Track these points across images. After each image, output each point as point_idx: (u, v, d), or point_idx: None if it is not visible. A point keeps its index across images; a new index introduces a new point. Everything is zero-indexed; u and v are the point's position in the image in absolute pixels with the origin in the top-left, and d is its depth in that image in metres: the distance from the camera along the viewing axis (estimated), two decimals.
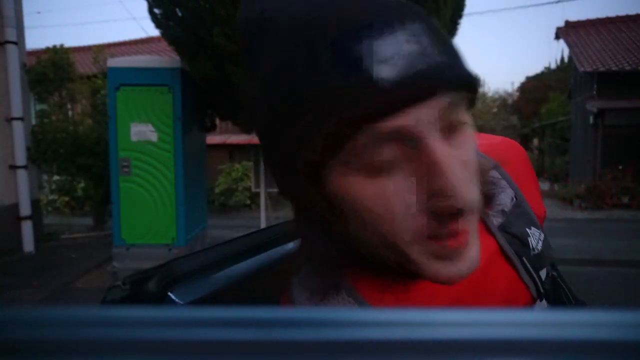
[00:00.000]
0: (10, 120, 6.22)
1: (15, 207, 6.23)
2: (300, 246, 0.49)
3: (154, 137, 5.13)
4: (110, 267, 5.44)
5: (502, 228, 0.54)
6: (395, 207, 0.39)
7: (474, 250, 0.41)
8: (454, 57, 0.39)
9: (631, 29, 14.04)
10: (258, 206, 7.52)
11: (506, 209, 0.55)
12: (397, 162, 0.38)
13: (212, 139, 11.51)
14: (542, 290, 0.55)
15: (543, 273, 0.56)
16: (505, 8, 47.82)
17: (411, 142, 0.37)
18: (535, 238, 0.56)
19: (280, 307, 0.48)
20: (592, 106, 11.87)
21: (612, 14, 21.03)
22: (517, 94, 30.03)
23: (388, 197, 0.38)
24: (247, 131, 6.40)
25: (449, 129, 0.38)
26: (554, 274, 0.60)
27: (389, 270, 0.44)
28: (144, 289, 0.49)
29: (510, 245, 0.54)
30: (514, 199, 0.56)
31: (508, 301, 0.52)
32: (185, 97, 5.19)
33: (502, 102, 31.05)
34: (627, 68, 11.99)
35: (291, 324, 0.18)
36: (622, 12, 15.21)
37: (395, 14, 0.37)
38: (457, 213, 0.37)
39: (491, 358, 0.17)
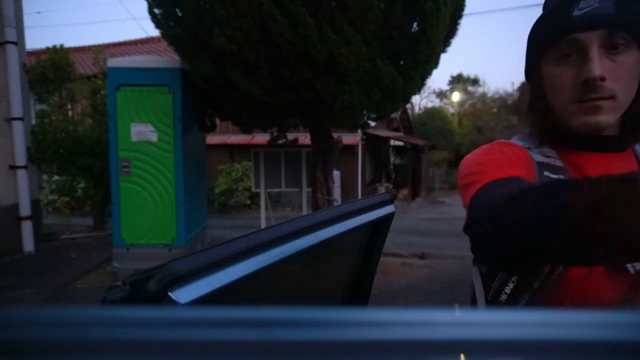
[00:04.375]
0: (10, 120, 6.22)
1: (15, 207, 6.23)
2: (529, 118, 0.88)
3: (154, 137, 5.13)
4: (110, 267, 5.44)
5: None
6: (565, 80, 0.78)
7: (608, 117, 0.76)
8: (622, 11, 0.72)
9: None
10: (258, 206, 7.52)
11: None
12: (573, 58, 0.77)
13: (212, 139, 11.52)
14: None
15: None
16: (506, 8, 47.79)
17: (580, 46, 0.75)
18: None
19: (279, 307, 0.48)
20: None
21: None
22: (517, 94, 30.02)
23: (563, 74, 0.78)
24: (247, 131, 6.40)
25: (611, 49, 0.75)
26: None
27: (571, 145, 0.82)
28: (144, 289, 0.49)
29: None
30: None
31: None
32: (185, 97, 5.19)
33: (502, 102, 31.04)
34: None
35: (291, 324, 0.18)
36: None
37: None
38: (595, 85, 0.74)
39: (491, 358, 0.17)
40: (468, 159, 0.84)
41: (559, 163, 0.81)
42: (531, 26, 0.85)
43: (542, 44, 0.82)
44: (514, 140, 0.89)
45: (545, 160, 0.81)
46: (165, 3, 4.79)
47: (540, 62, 0.83)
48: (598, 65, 0.73)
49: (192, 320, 0.18)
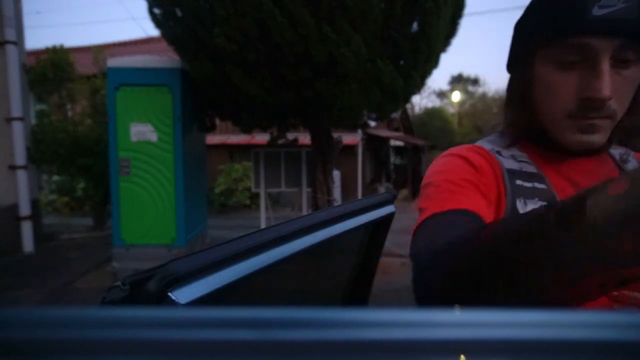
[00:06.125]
0: (10, 120, 6.22)
1: (15, 207, 6.23)
2: (507, 115, 0.81)
3: (153, 137, 5.13)
4: (110, 267, 5.44)
5: None
6: (563, 91, 0.67)
7: (603, 136, 0.67)
8: None
9: None
10: (258, 206, 7.52)
11: None
12: (577, 65, 0.65)
13: (212, 139, 11.51)
14: None
15: None
16: (505, 8, 47.80)
17: (590, 54, 0.62)
18: None
19: (279, 307, 0.48)
20: None
21: None
22: None
23: (561, 84, 0.67)
24: (247, 131, 6.40)
25: (621, 62, 0.63)
26: None
27: (549, 146, 0.73)
28: (144, 289, 0.49)
29: None
30: None
31: None
32: (185, 97, 5.19)
33: (503, 102, 31.02)
34: None
35: (291, 324, 0.18)
36: None
37: None
38: (597, 105, 0.63)
39: (491, 358, 0.17)
40: (431, 171, 0.76)
41: (531, 169, 0.72)
42: (524, 11, 0.72)
43: (540, 39, 0.68)
44: (483, 143, 0.80)
45: (516, 166, 0.72)
46: (165, 3, 4.79)
47: (533, 59, 0.70)
48: (609, 83, 0.62)
49: (192, 320, 0.18)
